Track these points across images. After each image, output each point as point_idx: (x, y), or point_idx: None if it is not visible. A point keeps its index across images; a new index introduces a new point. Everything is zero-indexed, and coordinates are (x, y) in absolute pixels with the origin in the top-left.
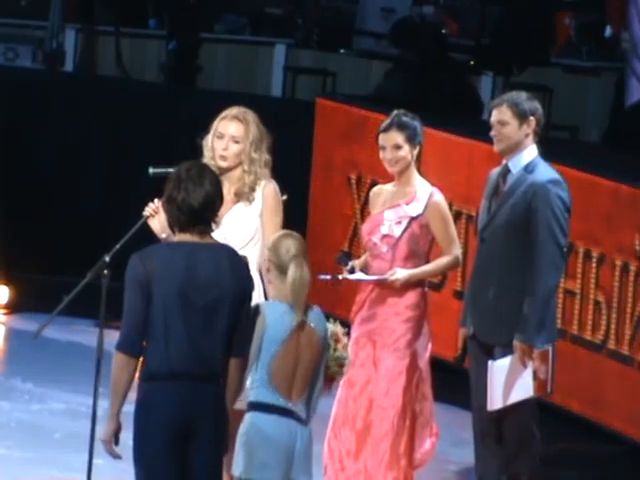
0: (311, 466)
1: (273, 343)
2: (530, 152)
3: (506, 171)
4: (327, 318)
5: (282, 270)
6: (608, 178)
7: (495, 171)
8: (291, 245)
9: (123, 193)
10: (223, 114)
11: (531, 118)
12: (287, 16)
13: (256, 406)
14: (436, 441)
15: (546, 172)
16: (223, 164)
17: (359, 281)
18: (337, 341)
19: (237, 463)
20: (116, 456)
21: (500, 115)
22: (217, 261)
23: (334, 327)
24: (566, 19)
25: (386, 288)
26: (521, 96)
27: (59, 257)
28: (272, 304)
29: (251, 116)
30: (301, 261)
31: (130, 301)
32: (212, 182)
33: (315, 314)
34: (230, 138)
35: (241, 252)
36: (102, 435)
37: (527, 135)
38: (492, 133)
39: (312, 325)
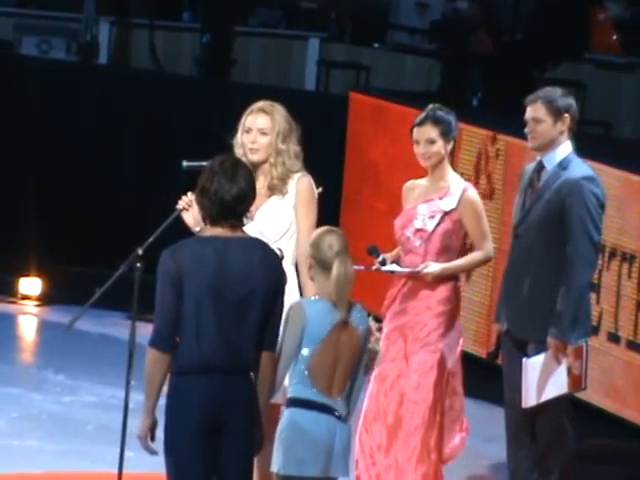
0: (349, 463)
1: (313, 340)
2: (565, 148)
3: (540, 167)
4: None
5: (325, 267)
6: None
7: (529, 167)
8: (334, 241)
9: (157, 186)
10: (250, 109)
11: (565, 115)
12: (321, 10)
13: (295, 402)
14: (466, 436)
15: (580, 168)
16: (254, 157)
17: (391, 273)
18: (369, 334)
19: (276, 459)
20: (152, 452)
21: (534, 112)
22: (249, 255)
23: (367, 321)
24: (601, 14)
25: (418, 282)
26: (556, 92)
27: (92, 250)
28: (314, 301)
29: (278, 108)
30: (345, 258)
31: (162, 297)
32: (245, 176)
33: (358, 312)
34: (258, 131)
35: (276, 245)
36: (138, 431)
37: (562, 132)
38: (526, 130)
39: (354, 324)
